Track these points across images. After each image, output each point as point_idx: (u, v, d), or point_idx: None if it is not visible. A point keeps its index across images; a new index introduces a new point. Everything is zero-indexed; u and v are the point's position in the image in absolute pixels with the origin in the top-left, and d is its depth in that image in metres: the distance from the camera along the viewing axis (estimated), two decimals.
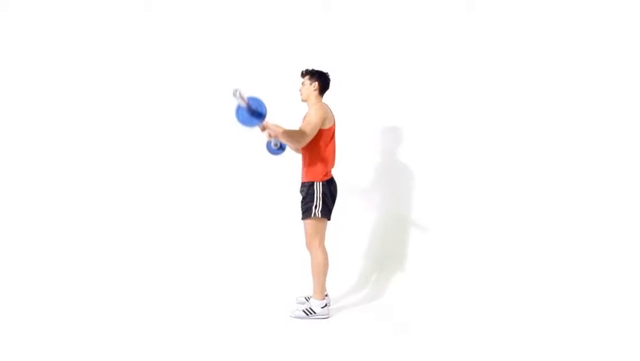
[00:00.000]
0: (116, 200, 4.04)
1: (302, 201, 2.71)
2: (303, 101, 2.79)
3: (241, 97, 2.11)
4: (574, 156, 3.30)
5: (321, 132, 2.65)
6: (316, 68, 2.78)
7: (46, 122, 4.10)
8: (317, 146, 2.66)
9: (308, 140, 2.55)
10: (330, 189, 2.70)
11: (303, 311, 2.66)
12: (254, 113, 2.26)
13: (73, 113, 4.10)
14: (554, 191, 3.33)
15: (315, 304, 2.67)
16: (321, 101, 2.75)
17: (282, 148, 3.04)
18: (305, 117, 2.77)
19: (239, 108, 2.27)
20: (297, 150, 2.90)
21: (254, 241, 3.82)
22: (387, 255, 3.65)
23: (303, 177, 2.77)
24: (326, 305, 2.69)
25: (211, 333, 2.42)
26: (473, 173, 3.52)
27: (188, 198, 4.04)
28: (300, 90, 2.79)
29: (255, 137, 3.92)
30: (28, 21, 4.07)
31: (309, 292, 2.93)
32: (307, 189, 2.68)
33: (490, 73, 3.49)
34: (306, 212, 2.65)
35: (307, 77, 2.75)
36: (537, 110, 3.39)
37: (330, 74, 2.80)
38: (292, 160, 3.04)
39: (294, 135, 2.50)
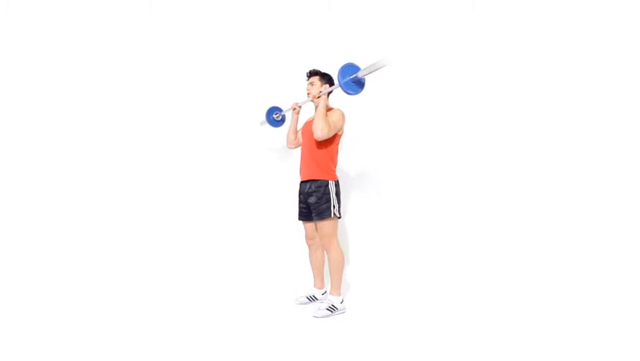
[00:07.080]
0: (117, 199, 4.01)
1: (316, 202, 2.68)
2: (312, 100, 2.81)
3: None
4: (557, 154, 3.36)
5: (336, 136, 2.71)
6: (322, 70, 2.83)
7: (48, 121, 4.03)
8: (331, 148, 2.71)
9: (326, 134, 2.57)
10: (340, 189, 2.77)
11: (327, 310, 2.63)
12: (358, 82, 2.43)
13: (75, 113, 4.05)
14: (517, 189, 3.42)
15: (336, 300, 2.67)
16: (330, 105, 2.79)
17: (282, 121, 3.20)
18: (310, 120, 2.82)
19: (349, 76, 2.39)
20: (290, 146, 3.03)
21: (249, 240, 3.84)
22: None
23: (310, 176, 2.74)
24: (342, 300, 2.71)
25: (209, 331, 2.41)
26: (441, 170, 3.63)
27: (187, 199, 4.04)
28: (309, 90, 2.81)
29: (255, 137, 3.97)
30: (28, 21, 4.00)
31: (307, 291, 2.99)
32: (323, 189, 2.67)
33: (490, 73, 3.55)
34: (325, 212, 2.65)
35: (317, 77, 2.78)
36: (529, 110, 3.45)
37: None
38: (290, 160, 3.05)
39: (328, 122, 2.57)
